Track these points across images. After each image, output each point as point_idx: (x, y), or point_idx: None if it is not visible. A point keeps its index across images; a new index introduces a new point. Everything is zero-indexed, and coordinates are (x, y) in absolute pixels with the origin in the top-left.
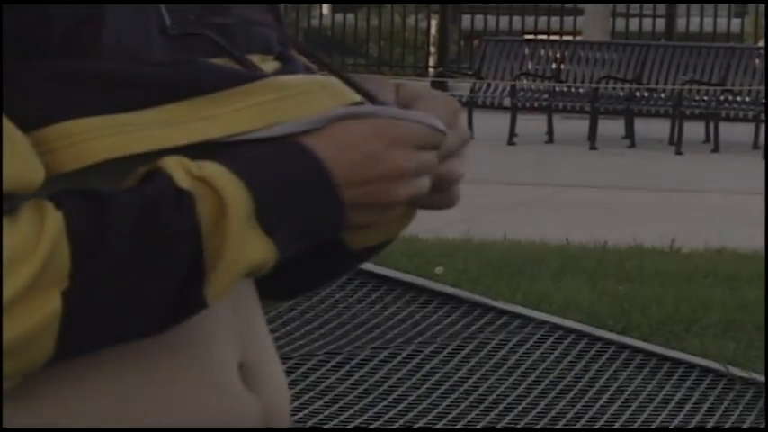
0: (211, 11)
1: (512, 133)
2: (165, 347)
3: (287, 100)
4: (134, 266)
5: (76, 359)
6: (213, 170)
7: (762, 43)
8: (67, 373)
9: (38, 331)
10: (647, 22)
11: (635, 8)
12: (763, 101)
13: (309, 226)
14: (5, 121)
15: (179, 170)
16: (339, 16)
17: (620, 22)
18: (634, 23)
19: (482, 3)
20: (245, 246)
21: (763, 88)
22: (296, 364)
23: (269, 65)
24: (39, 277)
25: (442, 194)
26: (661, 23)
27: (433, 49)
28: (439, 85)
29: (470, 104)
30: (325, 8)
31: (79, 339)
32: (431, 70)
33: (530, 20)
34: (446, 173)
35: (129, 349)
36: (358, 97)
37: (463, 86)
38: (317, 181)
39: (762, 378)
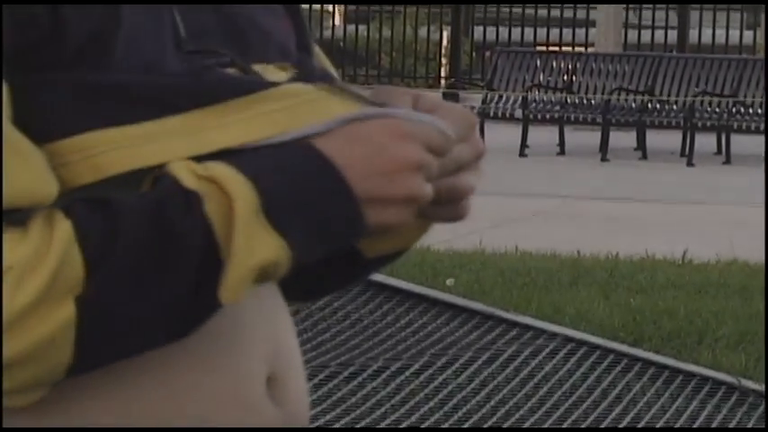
0: (227, 19)
1: (523, 144)
2: (192, 360)
3: (299, 107)
4: (146, 268)
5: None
6: (219, 169)
7: None
8: (88, 384)
9: (53, 339)
10: (660, 34)
11: (647, 20)
12: None
13: (326, 223)
14: (19, 135)
15: (185, 171)
16: (351, 27)
17: (632, 34)
18: (646, 35)
19: (499, 2)
20: (254, 242)
21: None
22: (308, 375)
23: (286, 72)
24: (51, 285)
25: (452, 206)
26: (673, 35)
27: (444, 60)
28: (451, 96)
29: (482, 115)
30: (338, 19)
31: (97, 346)
32: (442, 81)
33: (542, 31)
34: (459, 185)
35: (153, 361)
36: (368, 102)
37: (475, 97)
38: (325, 177)
39: None
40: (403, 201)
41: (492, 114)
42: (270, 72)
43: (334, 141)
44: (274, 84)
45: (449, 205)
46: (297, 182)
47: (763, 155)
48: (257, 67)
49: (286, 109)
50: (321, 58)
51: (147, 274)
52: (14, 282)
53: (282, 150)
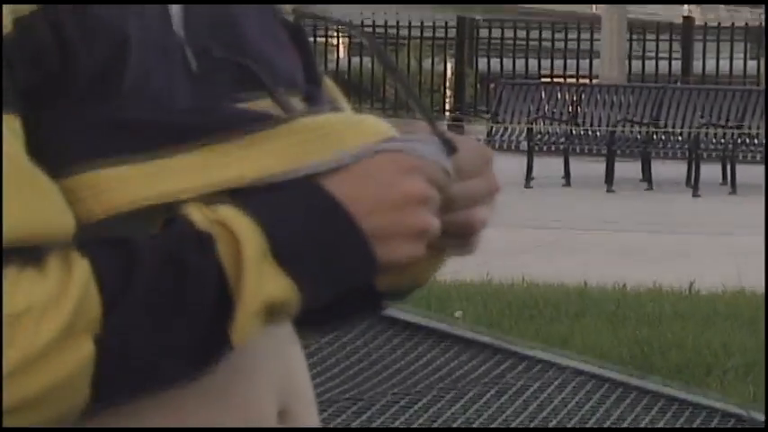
0: (236, 51)
1: (529, 176)
2: (203, 396)
3: (311, 142)
4: (162, 308)
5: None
6: (227, 212)
7: None
8: (99, 422)
9: (72, 377)
10: (664, 65)
11: (651, 50)
12: None
13: (335, 263)
14: (37, 170)
15: (197, 213)
16: (356, 59)
17: (637, 65)
18: (650, 66)
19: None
20: (262, 283)
21: None
22: (318, 409)
23: (295, 103)
24: (70, 324)
25: (464, 240)
26: (677, 65)
27: (449, 92)
28: (456, 128)
29: None
30: (342, 51)
31: (114, 385)
32: (447, 113)
33: (546, 62)
34: (471, 219)
35: (164, 397)
36: (385, 134)
37: (480, 129)
38: (332, 216)
39: None
40: (412, 235)
41: (497, 146)
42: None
43: (340, 178)
44: (283, 118)
45: (460, 238)
46: (303, 222)
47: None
48: (266, 100)
49: (297, 144)
50: (331, 89)
51: (163, 313)
52: (34, 322)
53: (289, 189)
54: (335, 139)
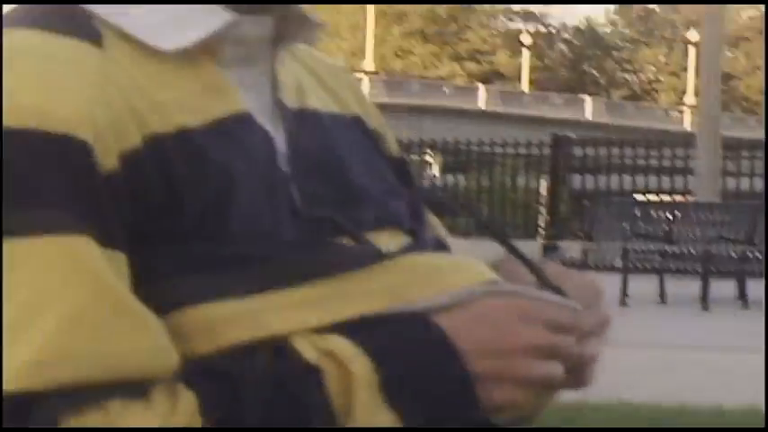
0: (341, 187)
1: (624, 294)
2: None
3: (417, 281)
4: None
5: None
6: (338, 343)
7: None
8: None
9: None
10: (758, 182)
11: (746, 168)
12: None
13: (440, 402)
14: (141, 306)
15: (305, 344)
16: (450, 177)
17: (731, 182)
18: (745, 183)
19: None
20: (370, 418)
21: None
22: None
23: (400, 239)
24: None
25: (575, 374)
26: None
27: (543, 210)
28: (551, 248)
29: (582, 266)
30: (436, 170)
31: None
32: (541, 231)
33: (640, 180)
34: (583, 353)
35: None
36: (490, 277)
37: (574, 247)
38: (443, 357)
39: None
40: (519, 382)
41: (592, 265)
42: (383, 239)
43: (456, 318)
44: (389, 255)
45: (572, 372)
46: (416, 360)
47: None
48: (370, 235)
49: (404, 284)
50: (435, 227)
51: None
52: None
53: (402, 324)
54: (440, 278)
